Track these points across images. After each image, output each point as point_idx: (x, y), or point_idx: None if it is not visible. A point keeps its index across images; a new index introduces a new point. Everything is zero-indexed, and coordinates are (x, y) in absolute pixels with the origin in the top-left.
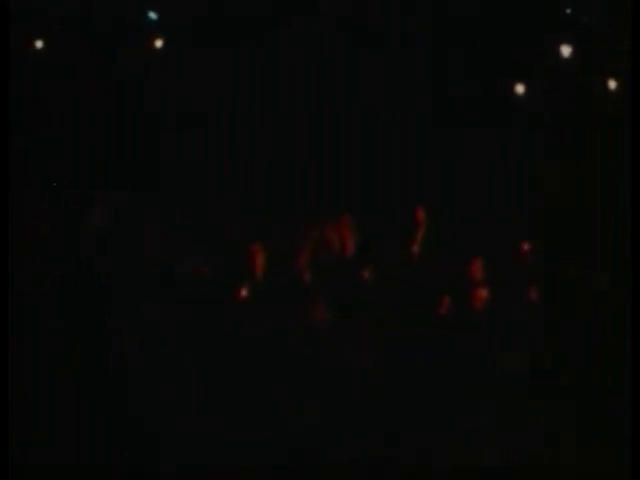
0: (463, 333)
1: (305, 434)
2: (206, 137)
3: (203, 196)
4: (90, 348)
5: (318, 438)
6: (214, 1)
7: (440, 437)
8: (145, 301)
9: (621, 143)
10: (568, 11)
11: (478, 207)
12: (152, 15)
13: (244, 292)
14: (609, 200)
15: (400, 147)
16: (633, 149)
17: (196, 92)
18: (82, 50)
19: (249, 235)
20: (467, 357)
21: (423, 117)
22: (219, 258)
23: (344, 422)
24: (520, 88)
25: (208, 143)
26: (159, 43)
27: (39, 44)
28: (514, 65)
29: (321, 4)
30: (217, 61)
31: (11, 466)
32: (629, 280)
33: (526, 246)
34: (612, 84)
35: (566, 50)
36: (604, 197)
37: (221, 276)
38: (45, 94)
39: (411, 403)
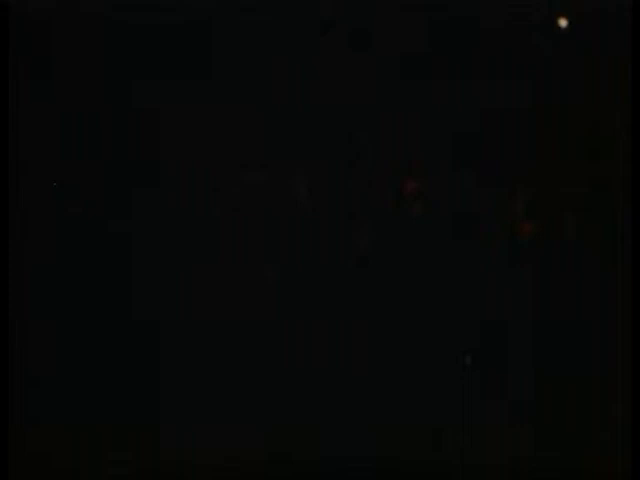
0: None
1: (305, 434)
2: (206, 138)
3: (202, 195)
4: (91, 347)
5: (318, 438)
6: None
7: (439, 436)
8: (150, 298)
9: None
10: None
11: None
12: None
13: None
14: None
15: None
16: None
17: (196, 91)
18: (82, 50)
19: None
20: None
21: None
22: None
23: (344, 422)
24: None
25: (208, 145)
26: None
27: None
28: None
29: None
30: (217, 61)
31: (11, 465)
32: (629, 279)
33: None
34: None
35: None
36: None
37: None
38: (45, 94)
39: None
